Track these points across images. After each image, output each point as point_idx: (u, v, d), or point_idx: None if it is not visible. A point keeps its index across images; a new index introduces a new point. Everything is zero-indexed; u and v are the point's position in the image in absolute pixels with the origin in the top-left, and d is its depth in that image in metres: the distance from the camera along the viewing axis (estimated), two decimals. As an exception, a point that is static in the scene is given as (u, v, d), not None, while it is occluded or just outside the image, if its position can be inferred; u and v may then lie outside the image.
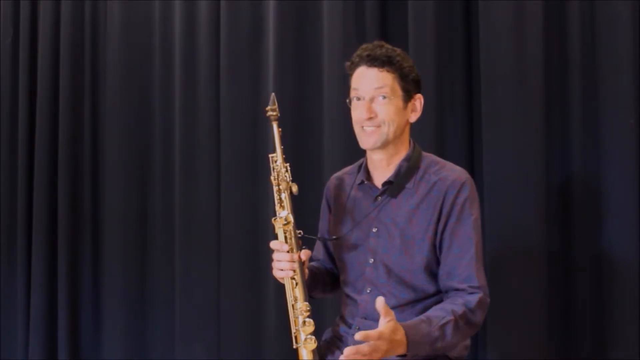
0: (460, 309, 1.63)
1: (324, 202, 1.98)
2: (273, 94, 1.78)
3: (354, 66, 1.78)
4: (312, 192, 2.53)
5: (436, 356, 1.68)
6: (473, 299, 1.66)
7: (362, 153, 1.89)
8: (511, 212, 2.40)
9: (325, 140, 2.75)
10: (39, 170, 3.34)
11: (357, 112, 1.76)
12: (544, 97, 2.39)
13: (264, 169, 2.83)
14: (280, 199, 1.74)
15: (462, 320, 1.63)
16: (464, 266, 1.69)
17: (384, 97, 1.73)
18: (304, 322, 1.66)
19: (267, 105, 1.76)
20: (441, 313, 1.62)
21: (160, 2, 3.16)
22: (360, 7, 2.70)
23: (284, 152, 1.76)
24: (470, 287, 1.68)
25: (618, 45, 2.31)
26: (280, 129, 1.76)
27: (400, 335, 1.53)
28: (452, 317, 1.61)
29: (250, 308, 2.92)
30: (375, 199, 1.81)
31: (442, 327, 1.60)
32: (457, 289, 1.69)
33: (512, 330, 2.39)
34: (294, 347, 1.68)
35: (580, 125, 2.38)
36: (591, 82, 2.37)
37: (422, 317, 1.62)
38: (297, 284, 1.69)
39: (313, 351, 1.67)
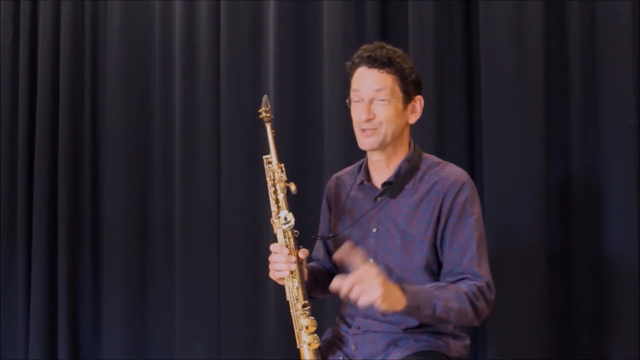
0: (463, 287, 1.65)
1: (324, 202, 1.98)
2: (265, 96, 1.79)
3: (355, 66, 1.78)
4: (312, 192, 2.53)
5: (437, 352, 1.71)
6: (476, 284, 1.67)
7: (362, 153, 1.89)
8: (511, 212, 2.40)
9: (325, 140, 2.75)
10: (39, 170, 3.34)
11: (356, 113, 1.77)
12: (544, 97, 2.39)
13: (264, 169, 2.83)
14: (277, 199, 1.74)
15: (464, 294, 1.64)
16: (466, 264, 1.70)
17: (383, 99, 1.73)
18: (305, 321, 1.66)
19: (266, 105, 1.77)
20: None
21: (160, 2, 3.16)
22: (360, 7, 2.70)
23: (283, 152, 1.77)
24: (474, 276, 1.69)
25: (618, 45, 2.31)
26: (273, 130, 1.77)
27: (392, 285, 1.58)
28: (447, 284, 1.66)
29: (250, 308, 2.92)
30: (375, 199, 1.81)
31: (439, 288, 1.64)
32: (463, 277, 1.70)
33: (512, 330, 2.40)
34: (298, 347, 1.69)
35: (581, 125, 2.38)
36: (591, 82, 2.37)
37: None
38: (296, 283, 1.70)
39: (315, 351, 1.67)
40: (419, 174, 1.79)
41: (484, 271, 1.70)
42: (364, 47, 1.78)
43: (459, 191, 1.73)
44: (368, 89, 1.74)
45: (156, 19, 3.18)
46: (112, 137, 3.25)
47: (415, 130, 1.86)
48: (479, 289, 1.66)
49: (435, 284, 1.68)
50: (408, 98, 1.77)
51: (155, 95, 3.18)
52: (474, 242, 1.71)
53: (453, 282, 1.69)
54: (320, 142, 2.77)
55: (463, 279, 1.69)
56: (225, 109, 2.98)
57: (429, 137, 2.46)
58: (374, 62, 1.73)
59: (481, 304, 1.67)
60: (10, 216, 3.41)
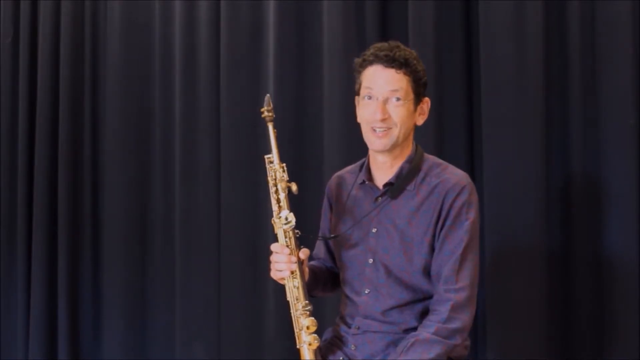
0: (430, 329, 1.66)
1: (325, 200, 1.98)
2: (268, 95, 1.78)
3: (367, 64, 1.76)
4: (312, 192, 2.53)
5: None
6: (444, 309, 1.67)
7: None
8: (511, 212, 2.40)
9: (325, 140, 2.75)
10: (39, 170, 3.33)
11: (369, 112, 1.75)
12: (544, 97, 2.39)
13: (264, 169, 2.83)
14: (278, 199, 1.74)
15: (434, 336, 1.65)
16: (448, 268, 1.70)
17: (398, 99, 1.72)
18: (306, 321, 1.66)
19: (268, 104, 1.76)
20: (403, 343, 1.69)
21: (160, 2, 3.16)
22: (360, 7, 2.70)
23: (284, 152, 1.77)
24: (447, 290, 1.69)
25: (618, 45, 2.31)
26: (275, 130, 1.76)
27: None
28: (413, 340, 1.65)
29: (250, 308, 2.92)
30: (376, 199, 1.81)
31: (406, 352, 1.64)
32: (438, 293, 1.71)
33: (512, 330, 2.40)
34: (298, 346, 1.69)
35: (580, 125, 2.38)
36: (591, 82, 2.37)
37: None
38: (297, 283, 1.70)
39: (315, 350, 1.67)
40: (420, 175, 1.79)
41: (463, 277, 1.69)
42: (378, 45, 1.76)
43: (458, 194, 1.73)
44: (383, 89, 1.73)
45: (156, 19, 3.17)
46: (112, 137, 3.24)
47: (416, 130, 1.86)
48: (452, 308, 1.66)
49: (402, 346, 1.68)
50: (418, 100, 1.77)
51: (155, 95, 3.18)
52: (461, 247, 1.70)
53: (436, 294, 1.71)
54: (320, 142, 2.77)
55: (438, 294, 1.71)
56: (225, 109, 2.98)
57: (429, 137, 2.46)
58: (391, 62, 1.71)
59: (458, 323, 1.67)
60: (10, 216, 3.41)
